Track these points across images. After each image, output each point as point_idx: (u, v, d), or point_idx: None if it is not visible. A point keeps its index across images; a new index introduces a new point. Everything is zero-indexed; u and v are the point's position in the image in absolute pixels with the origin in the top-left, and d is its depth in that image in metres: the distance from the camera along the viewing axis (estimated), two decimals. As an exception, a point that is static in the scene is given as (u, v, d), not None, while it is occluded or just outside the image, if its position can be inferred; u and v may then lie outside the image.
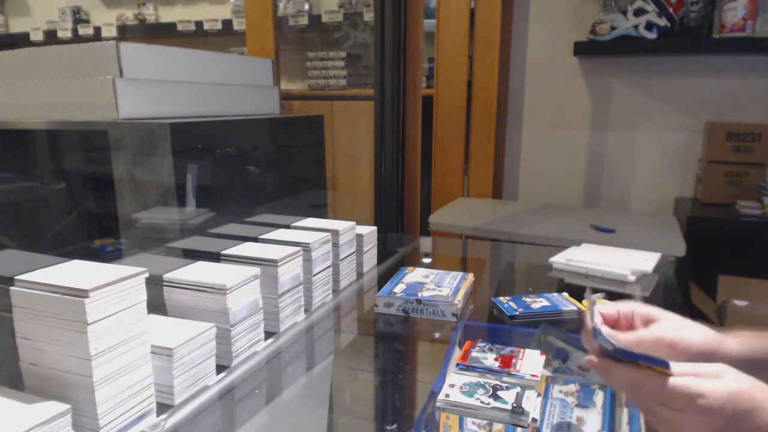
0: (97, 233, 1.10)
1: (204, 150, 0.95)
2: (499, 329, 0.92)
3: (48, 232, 1.13)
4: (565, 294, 1.06)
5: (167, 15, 3.53)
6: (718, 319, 1.79)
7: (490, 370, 0.70)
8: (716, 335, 0.60)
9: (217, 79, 1.12)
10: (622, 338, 0.58)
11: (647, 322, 0.61)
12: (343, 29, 3.03)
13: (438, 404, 0.63)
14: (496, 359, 0.73)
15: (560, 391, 0.70)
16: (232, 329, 0.79)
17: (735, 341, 0.60)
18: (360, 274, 1.20)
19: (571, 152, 2.51)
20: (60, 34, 3.59)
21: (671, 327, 0.59)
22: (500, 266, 1.43)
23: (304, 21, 2.94)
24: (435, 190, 2.53)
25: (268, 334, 0.88)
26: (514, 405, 0.61)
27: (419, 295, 1.00)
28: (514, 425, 0.60)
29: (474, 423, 0.61)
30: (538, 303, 1.02)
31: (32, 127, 1.03)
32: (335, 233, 1.07)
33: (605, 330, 0.57)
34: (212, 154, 0.98)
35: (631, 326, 0.62)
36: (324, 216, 1.20)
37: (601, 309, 0.62)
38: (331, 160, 2.71)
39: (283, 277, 0.90)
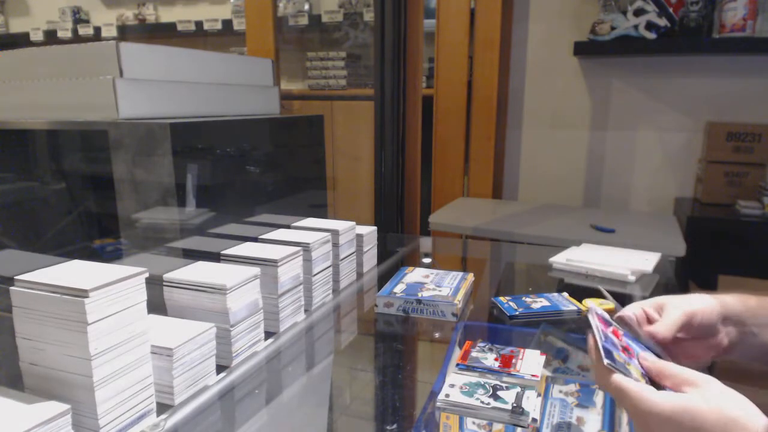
0: (97, 233, 1.10)
1: (204, 150, 0.95)
2: (499, 329, 0.92)
3: (48, 232, 1.13)
4: (565, 294, 1.06)
5: (167, 15, 3.53)
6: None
7: (490, 370, 0.70)
8: (716, 299, 0.62)
9: (217, 79, 1.12)
10: (662, 329, 0.58)
11: (660, 308, 0.63)
12: (343, 29, 3.03)
13: (438, 404, 0.63)
14: (496, 359, 0.73)
15: (560, 391, 0.70)
16: (232, 329, 0.79)
17: (733, 299, 0.62)
18: (360, 274, 1.20)
19: (571, 152, 2.51)
20: (60, 34, 3.59)
21: (683, 302, 0.61)
22: (500, 266, 1.43)
23: (304, 21, 2.94)
24: (435, 190, 2.53)
25: (268, 334, 0.88)
26: (514, 405, 0.61)
27: (419, 295, 1.00)
28: (514, 425, 0.60)
29: (474, 423, 0.61)
30: (538, 303, 1.02)
31: (32, 127, 1.03)
32: (335, 233, 1.07)
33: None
34: (212, 154, 0.98)
35: (649, 321, 0.63)
36: (324, 216, 1.20)
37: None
38: (331, 160, 2.71)
39: (283, 277, 0.90)
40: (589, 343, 0.55)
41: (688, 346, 0.62)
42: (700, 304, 0.61)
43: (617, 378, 0.50)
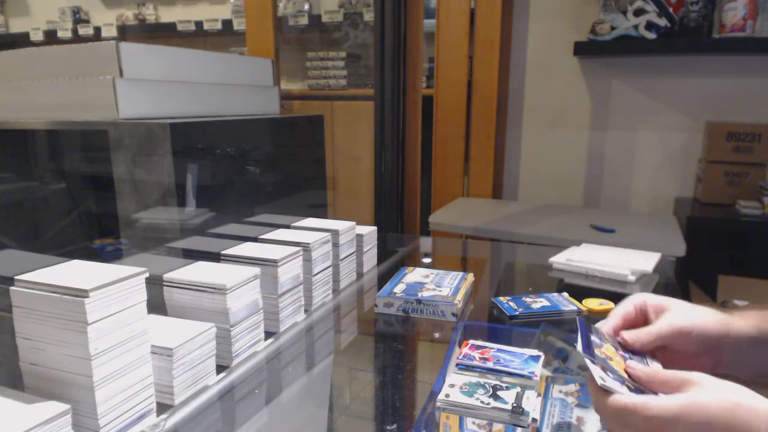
0: (97, 233, 1.10)
1: (204, 150, 0.95)
2: (499, 329, 0.92)
3: (48, 232, 1.13)
4: (565, 294, 1.06)
5: (167, 15, 3.53)
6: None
7: (490, 370, 0.70)
8: (725, 317, 0.60)
9: (217, 79, 1.12)
10: (643, 338, 0.58)
11: (659, 312, 0.62)
12: (343, 29, 3.03)
13: (438, 404, 0.63)
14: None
15: (560, 391, 0.70)
16: (232, 329, 0.79)
17: (744, 321, 0.60)
18: (360, 274, 1.20)
19: (571, 152, 2.51)
20: (60, 34, 3.59)
21: (683, 314, 0.60)
22: (500, 266, 1.43)
23: (304, 21, 2.95)
24: (435, 190, 2.53)
25: (268, 334, 0.88)
26: (514, 405, 0.61)
27: (419, 295, 1.00)
28: (514, 425, 0.60)
29: (474, 423, 0.61)
30: (538, 303, 1.02)
31: (32, 127, 1.03)
32: (335, 233, 1.07)
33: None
34: (212, 154, 0.98)
35: (646, 319, 0.63)
36: (324, 216, 1.20)
37: (616, 310, 0.62)
38: (331, 160, 2.71)
39: (283, 277, 0.90)
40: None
41: (680, 358, 0.61)
42: (700, 319, 0.59)
43: (615, 399, 0.49)
